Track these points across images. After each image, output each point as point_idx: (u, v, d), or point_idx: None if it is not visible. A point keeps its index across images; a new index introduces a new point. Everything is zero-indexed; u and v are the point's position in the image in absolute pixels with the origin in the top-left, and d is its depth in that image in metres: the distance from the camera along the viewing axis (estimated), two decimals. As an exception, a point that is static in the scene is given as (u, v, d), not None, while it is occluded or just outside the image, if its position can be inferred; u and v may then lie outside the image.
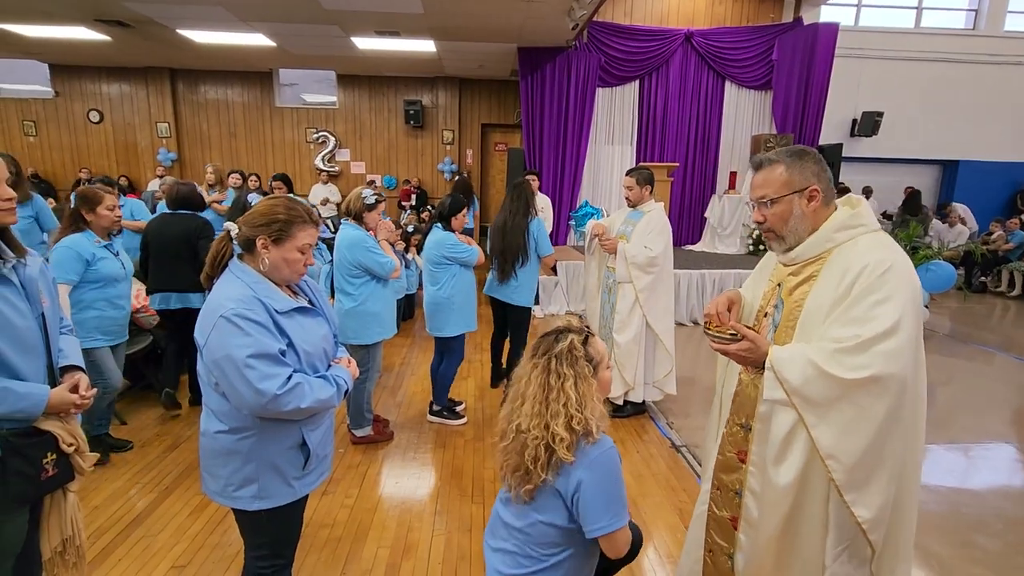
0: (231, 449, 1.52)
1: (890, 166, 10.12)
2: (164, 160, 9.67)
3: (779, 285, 1.54)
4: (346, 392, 1.62)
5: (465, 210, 3.55)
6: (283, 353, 1.47)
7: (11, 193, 1.42)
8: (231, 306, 1.42)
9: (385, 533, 2.53)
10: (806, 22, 8.20)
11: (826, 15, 8.70)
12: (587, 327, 1.47)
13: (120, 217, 2.94)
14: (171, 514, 2.62)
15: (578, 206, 7.42)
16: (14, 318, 1.40)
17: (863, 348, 1.28)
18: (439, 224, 3.53)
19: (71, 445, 1.50)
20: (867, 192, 9.66)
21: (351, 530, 2.53)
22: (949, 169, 10.53)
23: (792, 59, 8.07)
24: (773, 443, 1.41)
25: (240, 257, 1.55)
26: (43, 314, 1.50)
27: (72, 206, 2.82)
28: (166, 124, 9.88)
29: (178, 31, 6.96)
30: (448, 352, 3.60)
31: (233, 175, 5.97)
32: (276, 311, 1.48)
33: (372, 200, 3.08)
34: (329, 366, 1.64)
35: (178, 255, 3.42)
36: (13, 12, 6.30)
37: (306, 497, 1.67)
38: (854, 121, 9.69)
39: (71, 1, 5.83)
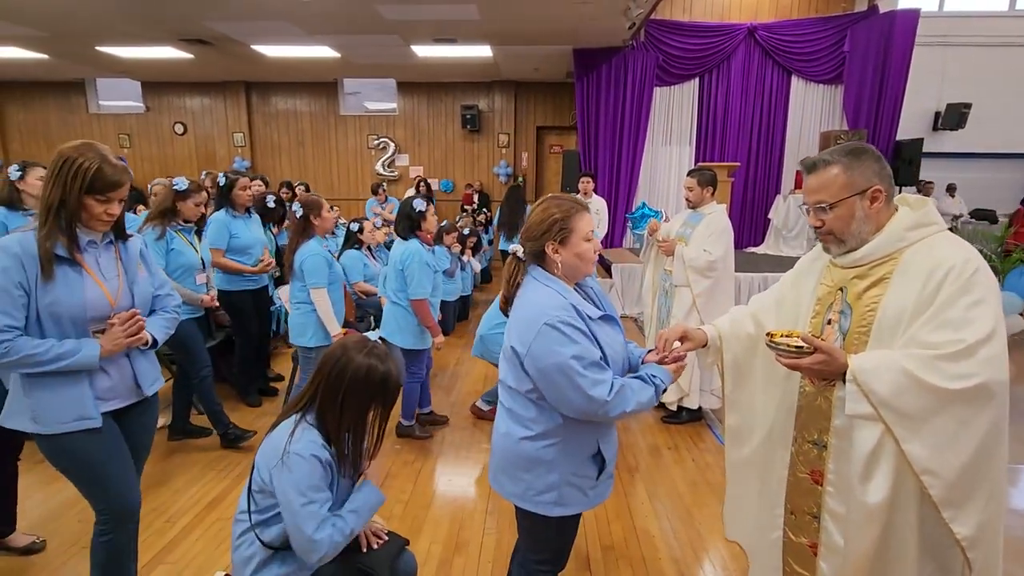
0: (536, 457, 1.52)
1: (979, 161, 9.30)
2: (239, 168, 10.31)
3: (841, 289, 1.43)
4: (664, 390, 1.57)
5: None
6: (603, 359, 1.46)
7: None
8: (555, 313, 1.42)
9: (438, 529, 2.60)
10: (882, 9, 7.70)
11: (904, 1, 8.14)
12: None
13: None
14: (242, 500, 2.80)
15: (635, 207, 7.31)
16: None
17: (968, 354, 1.18)
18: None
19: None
20: (951, 189, 8.95)
21: (406, 524, 2.62)
22: (1049, 164, 9.56)
23: (866, 50, 7.58)
24: (858, 460, 1.29)
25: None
26: None
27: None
28: (241, 134, 10.53)
29: (252, 46, 7.42)
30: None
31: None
32: (588, 318, 1.48)
33: None
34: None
35: None
36: (113, 35, 6.96)
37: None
38: (937, 114, 8.98)
39: (159, 23, 6.35)
